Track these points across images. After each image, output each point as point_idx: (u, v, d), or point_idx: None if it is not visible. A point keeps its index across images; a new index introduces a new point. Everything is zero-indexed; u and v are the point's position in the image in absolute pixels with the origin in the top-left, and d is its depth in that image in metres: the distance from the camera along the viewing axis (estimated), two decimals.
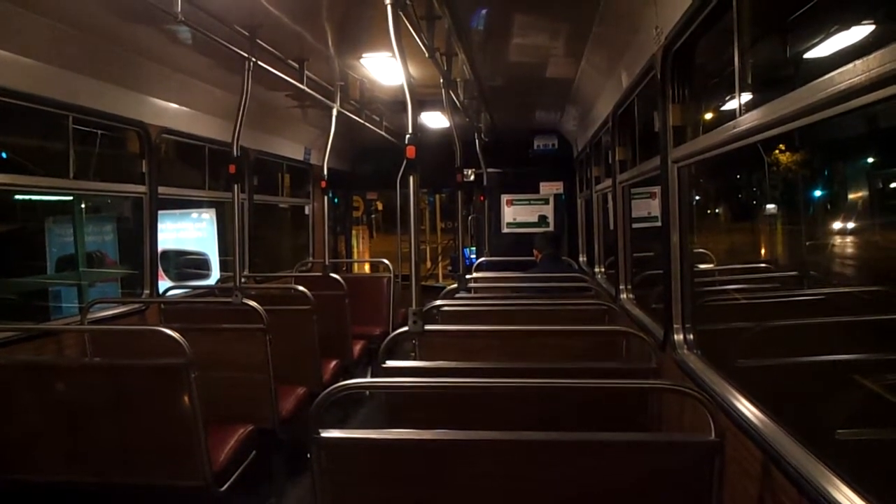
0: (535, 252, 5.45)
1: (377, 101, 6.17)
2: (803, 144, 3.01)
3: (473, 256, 8.15)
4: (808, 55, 2.27)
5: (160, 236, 4.56)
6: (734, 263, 4.08)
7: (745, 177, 3.93)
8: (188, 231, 6.96)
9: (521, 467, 1.81)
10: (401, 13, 2.69)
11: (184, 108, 4.61)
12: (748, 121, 1.90)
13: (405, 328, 2.58)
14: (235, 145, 3.98)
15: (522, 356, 3.07)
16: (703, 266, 3.58)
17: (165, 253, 5.99)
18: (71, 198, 5.79)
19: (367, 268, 10.03)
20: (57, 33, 3.18)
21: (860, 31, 1.90)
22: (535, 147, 8.36)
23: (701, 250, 3.58)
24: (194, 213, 7.01)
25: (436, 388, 2.18)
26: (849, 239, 2.79)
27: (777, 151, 3.12)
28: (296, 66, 4.53)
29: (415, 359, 2.96)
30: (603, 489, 1.78)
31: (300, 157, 7.12)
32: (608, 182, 4.99)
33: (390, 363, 2.47)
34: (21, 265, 5.60)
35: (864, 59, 1.24)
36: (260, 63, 3.91)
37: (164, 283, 4.96)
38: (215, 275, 6.72)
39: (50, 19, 3.09)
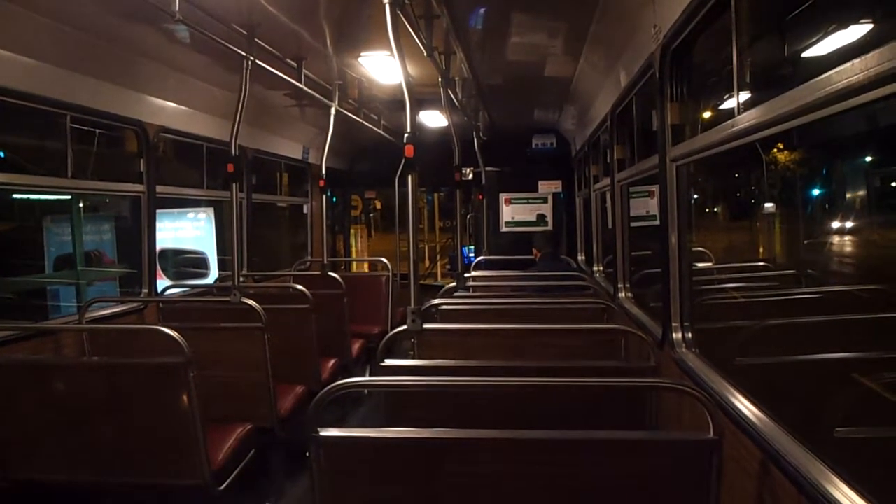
0: (534, 251, 5.46)
1: (375, 100, 6.17)
2: (802, 143, 3.01)
3: (472, 255, 8.16)
4: (806, 54, 2.27)
5: (158, 235, 4.56)
6: (732, 262, 4.08)
7: (744, 175, 3.93)
8: (186, 230, 6.94)
9: (520, 466, 1.81)
10: (399, 12, 2.69)
11: (182, 107, 4.61)
12: (746, 119, 1.91)
13: (404, 327, 2.59)
14: (234, 144, 3.98)
15: (521, 355, 3.07)
16: (701, 265, 3.58)
17: (164, 252, 5.99)
18: (69, 197, 5.78)
19: (365, 267, 10.03)
20: (54, 32, 3.18)
21: (858, 30, 1.90)
22: (534, 146, 8.36)
23: (699, 249, 3.59)
24: (192, 213, 7.00)
25: (434, 386, 2.18)
26: (847, 238, 2.79)
27: (775, 150, 3.12)
28: (294, 64, 4.52)
29: (413, 357, 2.96)
30: (601, 487, 1.79)
31: (298, 156, 7.12)
32: (606, 181, 4.99)
33: (389, 362, 2.47)
34: (19, 264, 5.59)
35: (863, 57, 1.24)
36: (258, 62, 3.90)
37: (162, 283, 4.96)
38: (214, 274, 6.71)
39: (47, 18, 3.08)
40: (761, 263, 3.63)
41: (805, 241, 3.33)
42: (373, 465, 1.87)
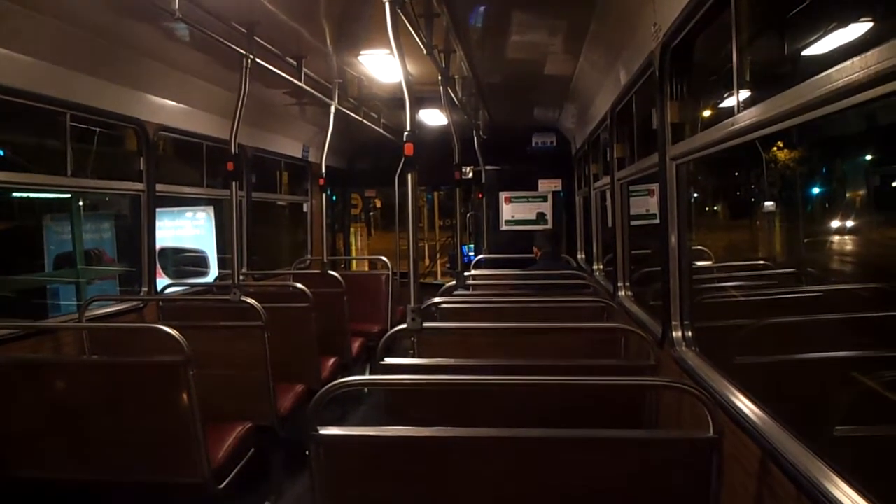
0: (534, 249, 5.46)
1: (375, 99, 6.16)
2: (802, 141, 3.01)
3: (472, 254, 8.16)
4: (806, 52, 2.26)
5: (158, 234, 4.56)
6: (732, 261, 4.08)
7: (744, 174, 3.93)
8: (186, 228, 6.94)
9: (520, 464, 1.81)
10: (399, 10, 2.69)
11: (181, 106, 4.60)
12: (746, 118, 1.91)
13: (403, 325, 2.58)
14: (233, 143, 3.98)
15: (521, 353, 3.07)
16: (701, 263, 3.58)
17: (163, 250, 5.98)
18: (69, 195, 5.78)
19: (365, 265, 10.03)
20: (54, 31, 3.18)
21: (858, 29, 1.89)
22: (534, 144, 8.36)
23: (699, 247, 3.58)
24: (192, 211, 7.00)
25: (434, 385, 2.18)
26: (847, 236, 2.79)
27: (775, 148, 3.12)
28: (294, 63, 4.52)
29: (413, 356, 2.96)
30: (601, 485, 1.79)
31: (298, 155, 7.11)
32: (606, 179, 4.99)
33: (389, 360, 2.46)
34: (19, 263, 5.59)
35: (862, 56, 1.24)
36: (258, 60, 3.90)
37: (162, 281, 4.96)
38: (213, 272, 6.71)
39: (47, 16, 3.08)
40: (761, 262, 3.63)
41: (805, 240, 3.33)
42: (372, 463, 1.87)
